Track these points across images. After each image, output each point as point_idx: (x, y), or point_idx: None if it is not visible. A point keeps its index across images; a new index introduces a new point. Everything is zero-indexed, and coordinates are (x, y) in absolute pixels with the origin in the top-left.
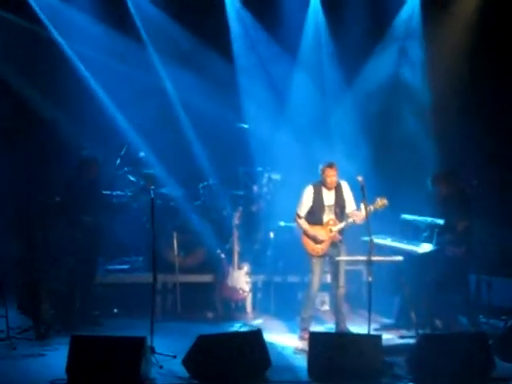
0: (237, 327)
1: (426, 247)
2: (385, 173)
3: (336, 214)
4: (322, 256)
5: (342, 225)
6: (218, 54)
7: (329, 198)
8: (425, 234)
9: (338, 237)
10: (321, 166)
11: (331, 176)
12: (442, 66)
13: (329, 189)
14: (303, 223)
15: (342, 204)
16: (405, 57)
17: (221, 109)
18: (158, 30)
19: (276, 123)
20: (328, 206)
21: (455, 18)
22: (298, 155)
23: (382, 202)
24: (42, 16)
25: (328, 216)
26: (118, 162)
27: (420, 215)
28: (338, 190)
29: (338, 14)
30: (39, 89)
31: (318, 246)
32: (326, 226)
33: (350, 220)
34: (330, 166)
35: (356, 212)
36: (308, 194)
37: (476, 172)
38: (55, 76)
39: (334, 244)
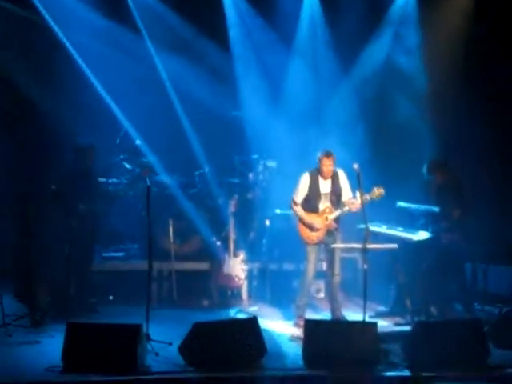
0: (233, 313)
1: (421, 235)
2: (381, 160)
3: (332, 201)
4: (318, 244)
5: (337, 213)
6: (213, 41)
7: (325, 185)
8: (420, 222)
9: (334, 225)
10: (318, 155)
11: (328, 165)
12: (438, 52)
13: (325, 178)
14: (299, 210)
15: (338, 192)
16: (401, 43)
17: (216, 96)
18: (154, 17)
19: (272, 111)
20: (324, 194)
21: (451, 3)
22: (293, 142)
23: (378, 191)
24: (38, 4)
25: (324, 204)
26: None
27: (415, 203)
28: (335, 178)
29: (333, 1)
30: (35, 76)
31: (314, 234)
32: (322, 213)
33: (346, 208)
34: (327, 155)
35: (352, 200)
36: (304, 182)
37: (472, 159)
38: (51, 63)
39: (329, 232)
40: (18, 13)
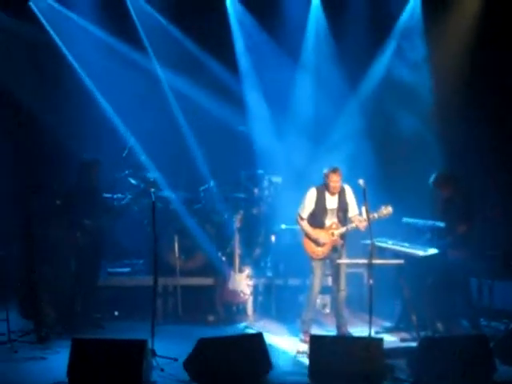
0: (242, 326)
1: (427, 250)
2: (386, 175)
3: (339, 218)
4: (323, 259)
5: (343, 229)
6: (219, 57)
7: (332, 201)
8: (426, 237)
9: (340, 241)
10: (325, 171)
11: (335, 181)
12: (444, 65)
13: (332, 193)
14: (305, 225)
15: (345, 208)
16: (406, 57)
17: (222, 111)
18: (159, 33)
19: (278, 126)
20: (330, 210)
21: (456, 15)
22: (299, 158)
23: (386, 210)
24: (44, 20)
25: (330, 220)
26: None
27: (422, 218)
28: (342, 194)
29: (339, 16)
30: (39, 90)
31: (319, 249)
32: (328, 229)
33: (353, 225)
34: (334, 171)
35: (359, 217)
36: (311, 197)
37: (478, 173)
38: (55, 78)
39: (334, 248)
40: (23, 29)
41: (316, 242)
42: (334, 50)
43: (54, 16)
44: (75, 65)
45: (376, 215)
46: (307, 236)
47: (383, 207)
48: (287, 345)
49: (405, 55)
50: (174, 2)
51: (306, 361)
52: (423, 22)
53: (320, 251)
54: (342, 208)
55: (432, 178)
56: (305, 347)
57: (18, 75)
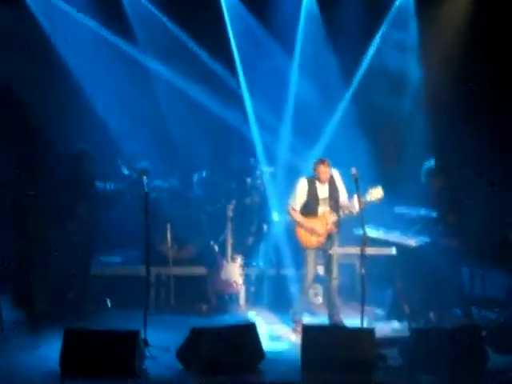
0: (235, 316)
1: (419, 239)
2: (381, 165)
3: (331, 206)
4: (317, 248)
5: (336, 217)
6: (212, 47)
7: (323, 191)
8: (418, 227)
9: (335, 229)
10: (313, 163)
11: (324, 172)
12: (436, 54)
13: (322, 183)
14: (299, 217)
15: (336, 196)
16: (398, 44)
17: (215, 102)
18: (151, 24)
19: (269, 115)
20: (322, 199)
21: (449, 4)
22: (291, 147)
23: (375, 191)
24: (36, 12)
25: (323, 208)
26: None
27: (413, 206)
28: (331, 181)
29: (332, 4)
30: (34, 84)
31: (314, 238)
32: (321, 218)
33: (346, 212)
34: (322, 162)
35: (348, 203)
36: (302, 187)
37: (473, 163)
38: (47, 70)
39: (329, 236)
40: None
41: (311, 232)
42: (326, 39)
43: (47, 8)
44: (69, 58)
45: (367, 198)
46: (301, 226)
47: (371, 189)
48: (280, 334)
49: (397, 42)
50: None
51: (298, 350)
52: (415, 8)
53: (315, 240)
54: (334, 196)
55: (423, 170)
56: (297, 337)
57: (9, 66)
